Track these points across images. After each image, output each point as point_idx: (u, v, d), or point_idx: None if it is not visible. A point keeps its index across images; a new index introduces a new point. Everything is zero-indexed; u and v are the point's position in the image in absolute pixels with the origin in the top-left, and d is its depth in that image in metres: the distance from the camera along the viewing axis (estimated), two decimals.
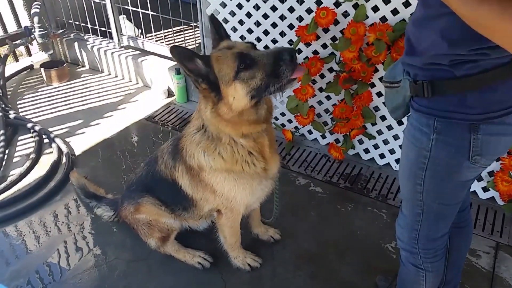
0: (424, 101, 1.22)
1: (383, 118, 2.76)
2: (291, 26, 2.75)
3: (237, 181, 1.78)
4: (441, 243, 1.54)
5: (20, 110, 3.65)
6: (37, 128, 3.27)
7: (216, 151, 1.70)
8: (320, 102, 2.95)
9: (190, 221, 2.17)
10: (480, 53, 1.06)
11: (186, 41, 3.89)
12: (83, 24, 4.19)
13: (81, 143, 3.21)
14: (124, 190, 2.31)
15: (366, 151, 2.97)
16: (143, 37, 4.02)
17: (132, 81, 4.11)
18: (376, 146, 2.91)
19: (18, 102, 3.76)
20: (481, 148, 1.19)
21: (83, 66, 4.40)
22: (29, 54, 4.50)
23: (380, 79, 2.61)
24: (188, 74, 1.50)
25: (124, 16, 4.02)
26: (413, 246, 1.54)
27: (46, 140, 3.23)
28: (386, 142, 2.84)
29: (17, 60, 4.43)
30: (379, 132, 2.83)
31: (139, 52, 4.02)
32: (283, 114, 3.16)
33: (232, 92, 1.49)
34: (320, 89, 2.86)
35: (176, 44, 1.40)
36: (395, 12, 2.38)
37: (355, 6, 2.45)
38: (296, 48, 2.71)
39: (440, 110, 1.19)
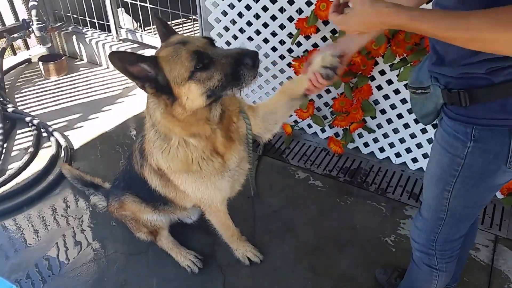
0: (462, 110, 1.17)
1: (382, 111, 2.75)
2: (290, 19, 2.73)
3: (198, 180, 1.69)
4: (458, 244, 1.52)
5: (18, 103, 3.63)
6: (35, 121, 3.26)
7: (171, 152, 1.60)
8: (319, 96, 2.93)
9: (178, 212, 2.13)
10: None
11: (184, 34, 3.86)
12: (81, 17, 4.17)
13: (79, 137, 3.20)
14: (111, 185, 2.29)
15: (366, 145, 2.96)
16: (142, 30, 4.00)
17: None
18: (375, 140, 2.90)
19: (16, 96, 3.75)
20: None
21: (81, 60, 4.38)
22: (27, 47, 4.48)
23: (380, 72, 2.60)
24: (133, 80, 1.37)
25: (123, 9, 4.00)
26: (430, 248, 1.51)
27: (44, 134, 3.22)
28: (385, 135, 2.83)
29: (15, 54, 4.41)
30: (379, 126, 2.82)
31: (138, 45, 4.00)
32: None
33: (185, 92, 1.36)
34: None
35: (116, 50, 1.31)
36: None
37: None
38: (296, 41, 2.70)
39: (479, 118, 1.14)
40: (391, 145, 2.85)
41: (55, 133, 3.14)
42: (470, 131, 1.17)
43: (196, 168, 1.62)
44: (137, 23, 4.17)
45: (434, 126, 2.58)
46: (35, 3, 3.88)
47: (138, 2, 3.75)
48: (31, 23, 3.96)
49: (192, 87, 1.36)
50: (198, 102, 1.39)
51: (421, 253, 1.56)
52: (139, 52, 3.84)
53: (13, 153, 3.04)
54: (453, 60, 1.13)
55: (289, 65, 2.82)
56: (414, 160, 2.81)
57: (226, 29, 3.06)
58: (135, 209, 2.08)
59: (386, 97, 2.68)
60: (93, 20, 4.09)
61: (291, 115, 3.12)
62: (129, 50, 3.92)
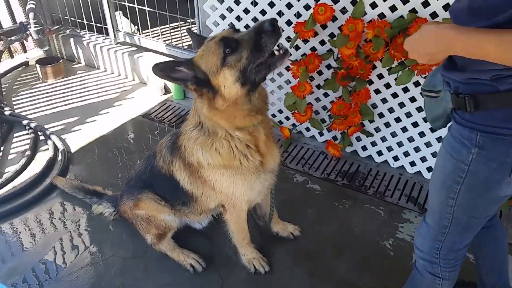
0: (467, 115, 1.16)
1: (381, 115, 2.75)
2: (289, 23, 2.74)
3: (235, 176, 1.76)
4: (463, 253, 1.50)
5: (15, 106, 3.62)
6: (32, 125, 3.24)
7: (213, 147, 1.69)
8: (317, 99, 2.94)
9: (191, 216, 2.14)
10: None
11: (183, 38, 3.86)
12: (79, 20, 4.16)
13: (77, 140, 3.19)
14: (124, 185, 2.29)
15: (364, 148, 2.97)
16: (140, 34, 4.00)
17: (128, 77, 4.09)
18: (373, 144, 2.90)
19: (13, 99, 3.74)
20: None
21: (79, 63, 4.37)
22: (25, 50, 4.47)
23: (378, 76, 2.61)
24: (176, 83, 1.55)
25: (121, 12, 4.00)
26: (433, 256, 1.49)
27: (41, 137, 3.20)
28: (383, 139, 2.84)
29: (12, 57, 4.40)
30: (377, 130, 2.83)
31: (136, 48, 4.00)
32: (280, 111, 3.15)
33: (222, 80, 1.48)
34: (318, 86, 2.85)
35: (156, 62, 1.46)
36: (393, 8, 2.37)
37: (353, 2, 2.45)
38: (294, 44, 2.70)
39: (484, 125, 1.13)
40: (389, 148, 2.86)
41: (53, 136, 3.13)
42: (475, 137, 1.16)
43: (237, 163, 1.71)
44: (135, 26, 4.17)
45: (432, 130, 2.58)
46: (33, 6, 3.87)
47: (136, 5, 3.75)
48: (28, 26, 3.95)
49: (227, 73, 1.47)
50: (235, 89, 1.49)
51: (425, 261, 1.53)
52: (137, 55, 3.87)
53: (10, 156, 3.02)
54: (463, 65, 1.12)
55: (287, 68, 2.82)
56: (412, 163, 2.81)
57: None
58: (152, 208, 2.08)
59: (384, 100, 2.69)
60: (91, 23, 4.09)
61: (289, 119, 3.13)
62: (127, 52, 3.92)
